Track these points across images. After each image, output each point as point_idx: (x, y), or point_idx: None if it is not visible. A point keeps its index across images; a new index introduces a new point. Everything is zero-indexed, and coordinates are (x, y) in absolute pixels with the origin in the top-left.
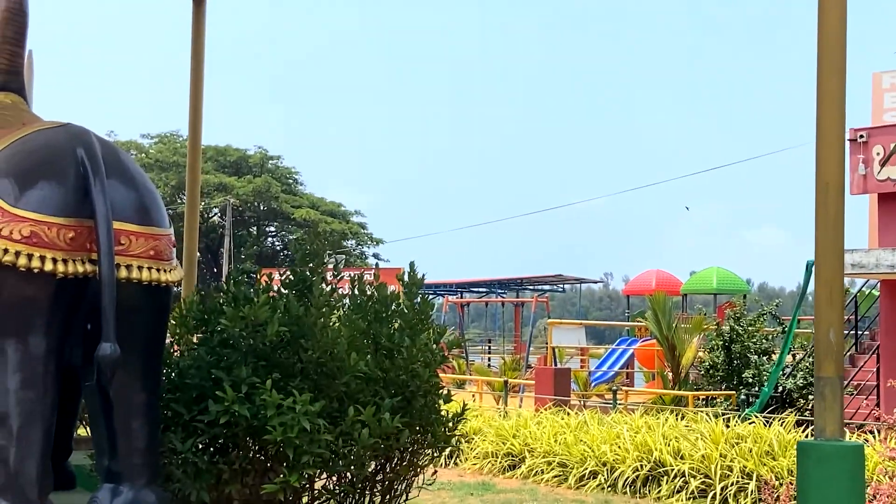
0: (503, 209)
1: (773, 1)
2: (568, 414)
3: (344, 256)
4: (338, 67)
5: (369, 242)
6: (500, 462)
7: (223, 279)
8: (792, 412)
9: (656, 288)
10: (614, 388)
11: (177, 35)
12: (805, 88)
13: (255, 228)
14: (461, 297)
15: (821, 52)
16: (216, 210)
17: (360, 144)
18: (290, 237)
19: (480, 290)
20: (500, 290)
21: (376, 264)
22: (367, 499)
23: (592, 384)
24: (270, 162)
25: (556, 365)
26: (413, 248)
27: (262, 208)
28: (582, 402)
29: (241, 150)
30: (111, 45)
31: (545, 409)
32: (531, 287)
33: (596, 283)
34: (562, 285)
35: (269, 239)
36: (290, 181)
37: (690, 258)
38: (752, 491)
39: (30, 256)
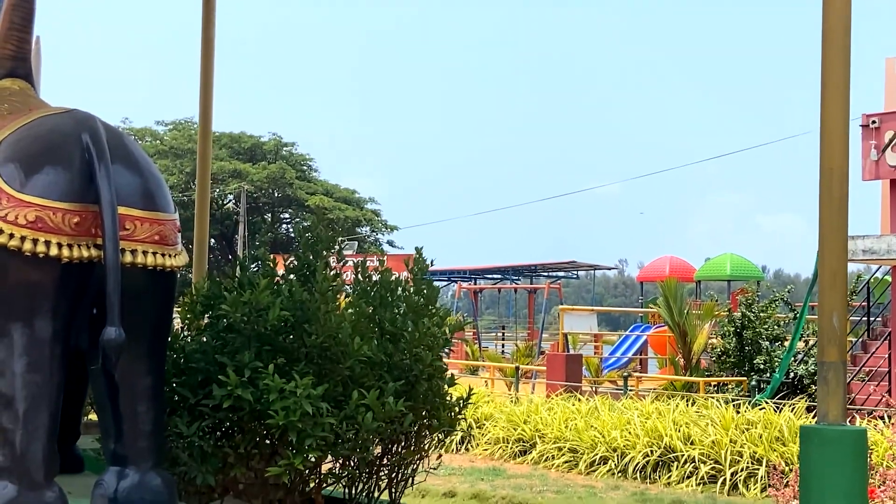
0: (518, 195)
1: None
2: (579, 400)
3: (356, 242)
4: (353, 55)
5: (384, 229)
6: (511, 448)
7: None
8: (803, 398)
9: (670, 274)
10: (625, 374)
11: (191, 22)
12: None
13: (269, 215)
14: (475, 284)
15: (825, 36)
16: (231, 197)
17: (376, 132)
18: (304, 223)
19: (494, 276)
20: (513, 277)
21: (381, 251)
22: (374, 483)
23: (605, 370)
24: (285, 149)
25: (568, 351)
26: (427, 234)
27: (276, 195)
28: (593, 389)
29: (256, 136)
30: (125, 32)
31: (556, 396)
32: (545, 274)
33: (610, 269)
34: (576, 272)
35: (284, 226)
36: (305, 168)
37: (706, 245)
38: (761, 476)
39: (35, 241)
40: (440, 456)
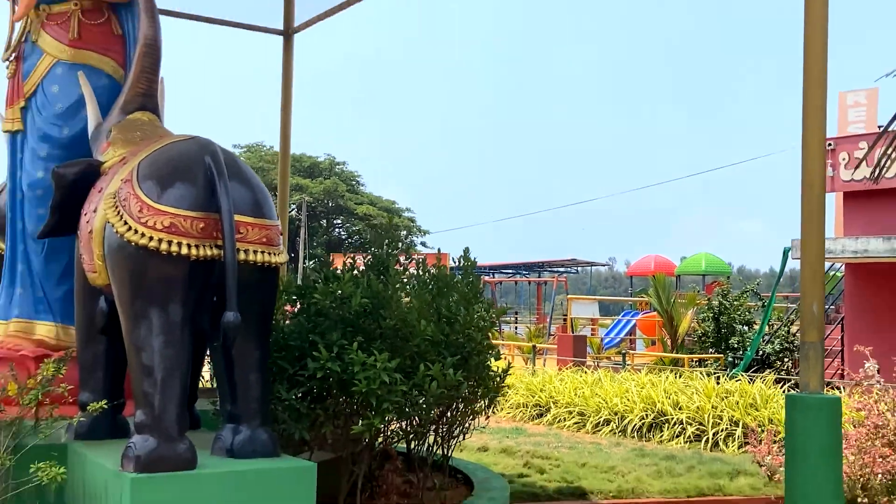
0: (528, 204)
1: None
2: (585, 372)
3: (410, 243)
4: (391, 79)
5: (418, 233)
6: (530, 411)
7: (301, 263)
8: (770, 372)
9: (654, 270)
10: (623, 351)
11: (267, 61)
12: (782, 101)
13: (324, 221)
14: (493, 277)
15: (806, 71)
16: (293, 206)
17: (411, 151)
18: (354, 228)
19: (508, 271)
20: (524, 271)
21: (416, 251)
22: (432, 439)
23: (605, 348)
24: (337, 167)
25: (572, 333)
26: (454, 237)
27: (330, 205)
28: (596, 363)
29: (314, 157)
30: (210, 70)
31: (566, 369)
32: (550, 269)
33: (603, 265)
34: (575, 267)
35: (337, 230)
36: (354, 182)
37: (683, 245)
38: (738, 436)
39: (169, 242)
40: (488, 417)
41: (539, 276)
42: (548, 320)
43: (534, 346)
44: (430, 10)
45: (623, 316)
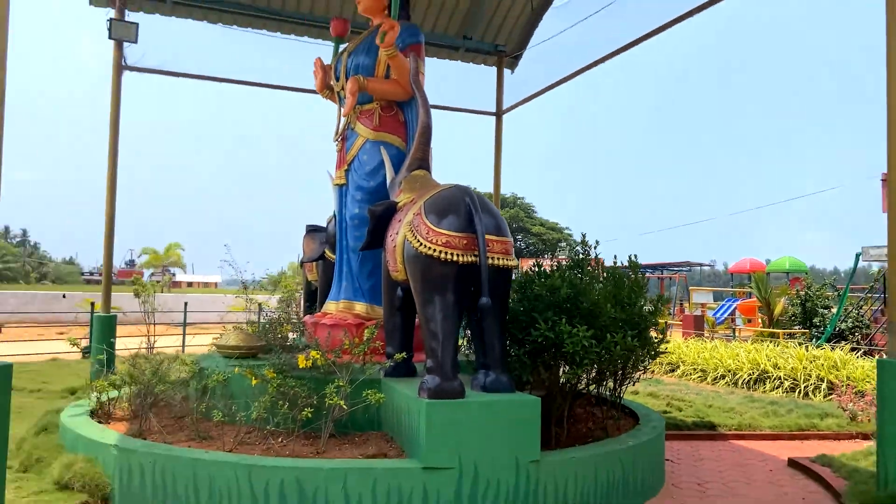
0: (660, 220)
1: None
2: (704, 341)
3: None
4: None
5: (574, 244)
6: (664, 368)
7: None
8: (846, 343)
9: (750, 269)
10: (732, 326)
11: (483, 135)
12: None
13: None
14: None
15: (890, 105)
16: None
17: (569, 185)
18: (529, 241)
19: (644, 270)
20: (651, 270)
21: None
22: (610, 384)
23: (717, 324)
24: (518, 200)
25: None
26: (604, 247)
27: (513, 226)
28: (711, 336)
29: (503, 194)
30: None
31: (690, 338)
32: (671, 268)
33: (708, 266)
34: (689, 267)
35: (518, 243)
36: (529, 210)
37: (769, 250)
38: (823, 388)
39: (445, 252)
40: (645, 370)
41: (662, 273)
42: (671, 305)
43: (666, 323)
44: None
45: (726, 301)
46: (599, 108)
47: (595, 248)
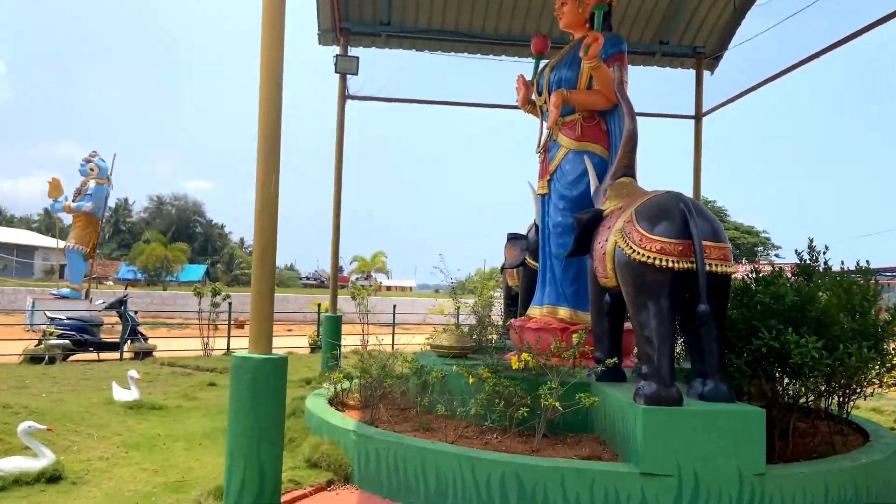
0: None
1: None
2: None
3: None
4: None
5: (772, 248)
6: (887, 380)
7: None
8: None
9: None
10: None
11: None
12: None
13: None
14: None
15: None
16: None
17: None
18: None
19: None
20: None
21: (771, 262)
22: (837, 398)
23: None
24: (708, 204)
25: None
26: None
27: None
28: None
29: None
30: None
31: None
32: (884, 273)
33: None
34: None
35: None
36: (722, 214)
37: None
38: None
39: (660, 259)
40: (880, 385)
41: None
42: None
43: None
44: None
45: None
46: (803, 104)
47: (824, 253)
